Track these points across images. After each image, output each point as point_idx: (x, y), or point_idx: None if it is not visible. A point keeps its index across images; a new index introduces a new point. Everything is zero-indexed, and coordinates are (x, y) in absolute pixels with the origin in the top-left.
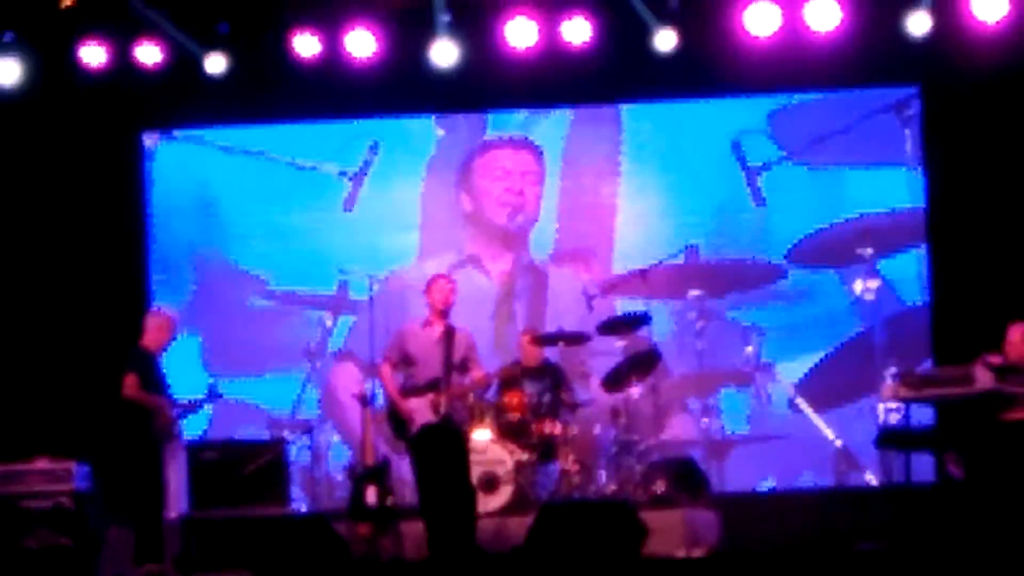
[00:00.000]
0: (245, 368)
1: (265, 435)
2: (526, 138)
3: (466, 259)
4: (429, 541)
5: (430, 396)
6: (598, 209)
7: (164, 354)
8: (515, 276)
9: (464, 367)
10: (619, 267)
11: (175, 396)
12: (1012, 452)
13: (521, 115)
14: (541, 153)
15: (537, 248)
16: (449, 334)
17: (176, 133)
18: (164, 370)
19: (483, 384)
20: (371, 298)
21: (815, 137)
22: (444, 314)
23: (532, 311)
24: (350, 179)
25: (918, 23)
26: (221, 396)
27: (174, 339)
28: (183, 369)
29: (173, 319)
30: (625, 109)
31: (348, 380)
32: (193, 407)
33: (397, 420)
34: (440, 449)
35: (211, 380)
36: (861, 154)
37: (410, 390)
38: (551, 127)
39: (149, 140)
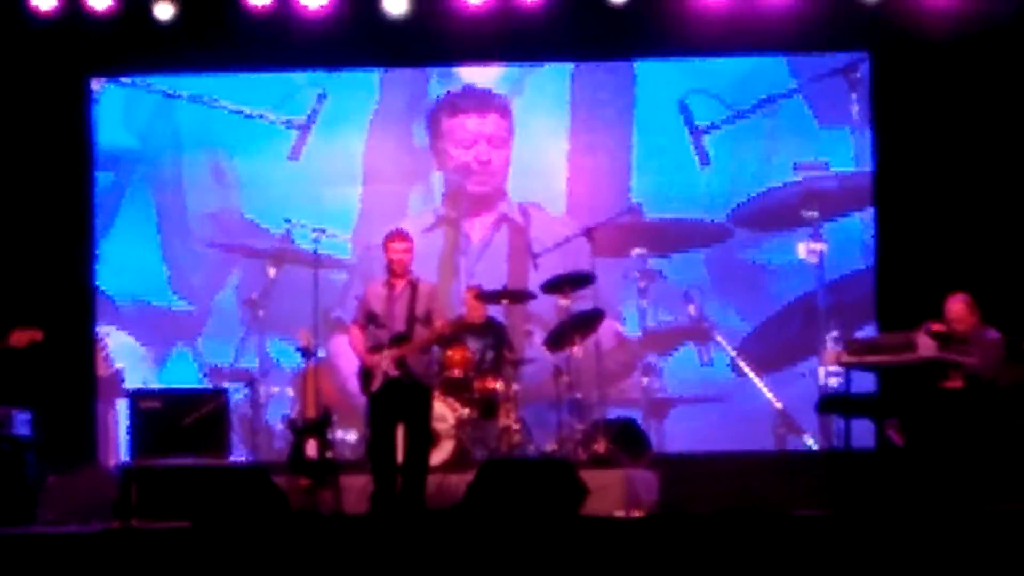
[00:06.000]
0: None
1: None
2: (491, 94)
3: (441, 219)
4: (374, 495)
5: (394, 351)
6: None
7: None
8: (490, 233)
9: (428, 319)
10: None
11: None
12: (952, 420)
13: (514, 70)
14: (508, 110)
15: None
16: (412, 288)
17: (123, 79)
18: None
19: (440, 334)
20: (316, 252)
21: (763, 99)
22: (402, 273)
23: (513, 267)
24: (297, 128)
25: None
26: None
27: None
28: None
29: None
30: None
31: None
32: None
33: (365, 378)
34: (399, 404)
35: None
36: (808, 117)
37: (376, 348)
38: (548, 80)
39: (96, 84)
